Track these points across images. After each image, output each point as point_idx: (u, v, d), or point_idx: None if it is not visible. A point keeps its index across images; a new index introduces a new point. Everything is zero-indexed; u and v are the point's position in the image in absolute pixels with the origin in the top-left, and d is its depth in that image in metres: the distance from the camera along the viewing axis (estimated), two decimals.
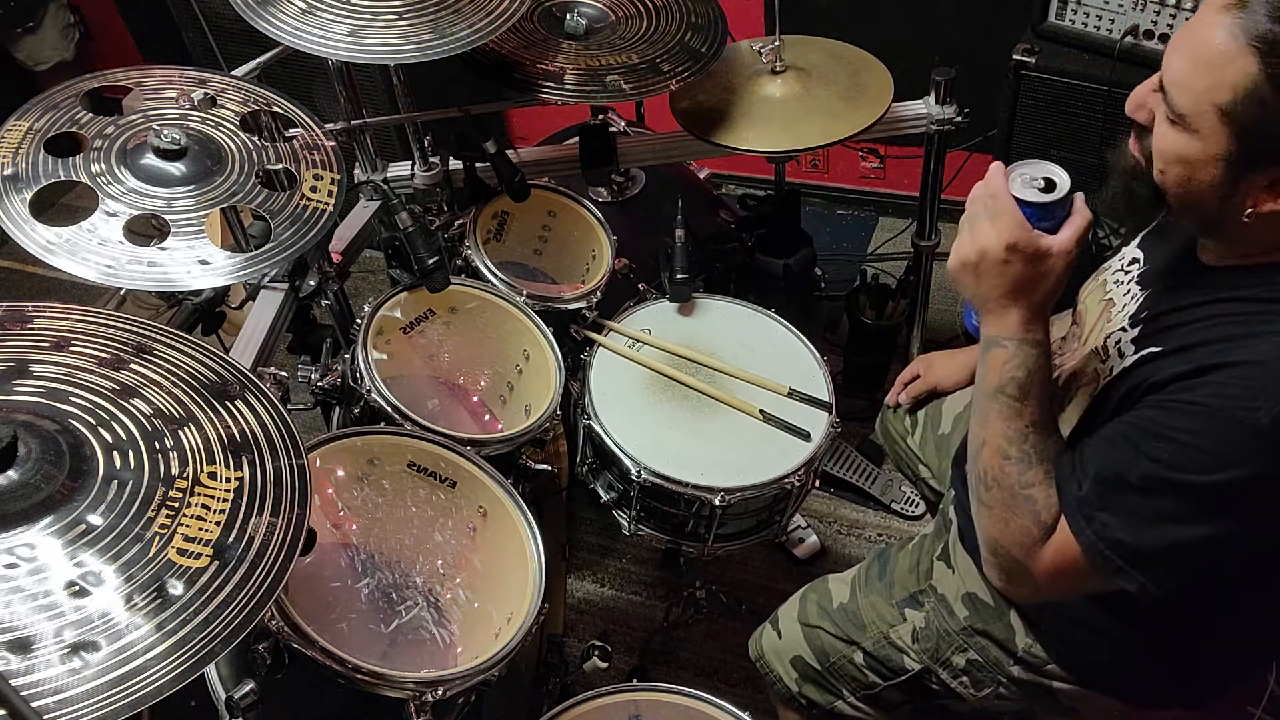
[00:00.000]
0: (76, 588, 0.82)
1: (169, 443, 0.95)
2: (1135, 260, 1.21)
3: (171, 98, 1.44)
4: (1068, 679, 1.28)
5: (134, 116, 1.38)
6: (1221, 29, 0.90)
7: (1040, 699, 1.32)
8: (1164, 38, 1.79)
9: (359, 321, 1.57)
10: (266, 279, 1.65)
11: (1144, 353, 1.06)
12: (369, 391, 1.48)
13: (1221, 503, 0.95)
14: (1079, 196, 1.07)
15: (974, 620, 1.34)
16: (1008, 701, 1.35)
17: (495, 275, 1.74)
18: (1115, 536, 1.00)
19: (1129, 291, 1.17)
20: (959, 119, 1.96)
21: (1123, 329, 1.12)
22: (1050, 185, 1.07)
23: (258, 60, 1.79)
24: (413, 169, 1.96)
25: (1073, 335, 1.29)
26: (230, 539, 0.91)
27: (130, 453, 0.93)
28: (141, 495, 0.90)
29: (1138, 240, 1.24)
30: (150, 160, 1.33)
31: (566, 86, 1.74)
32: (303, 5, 1.50)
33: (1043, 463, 1.07)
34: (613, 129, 2.01)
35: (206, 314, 1.58)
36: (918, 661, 1.38)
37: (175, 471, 0.93)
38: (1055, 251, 1.03)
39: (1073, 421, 1.16)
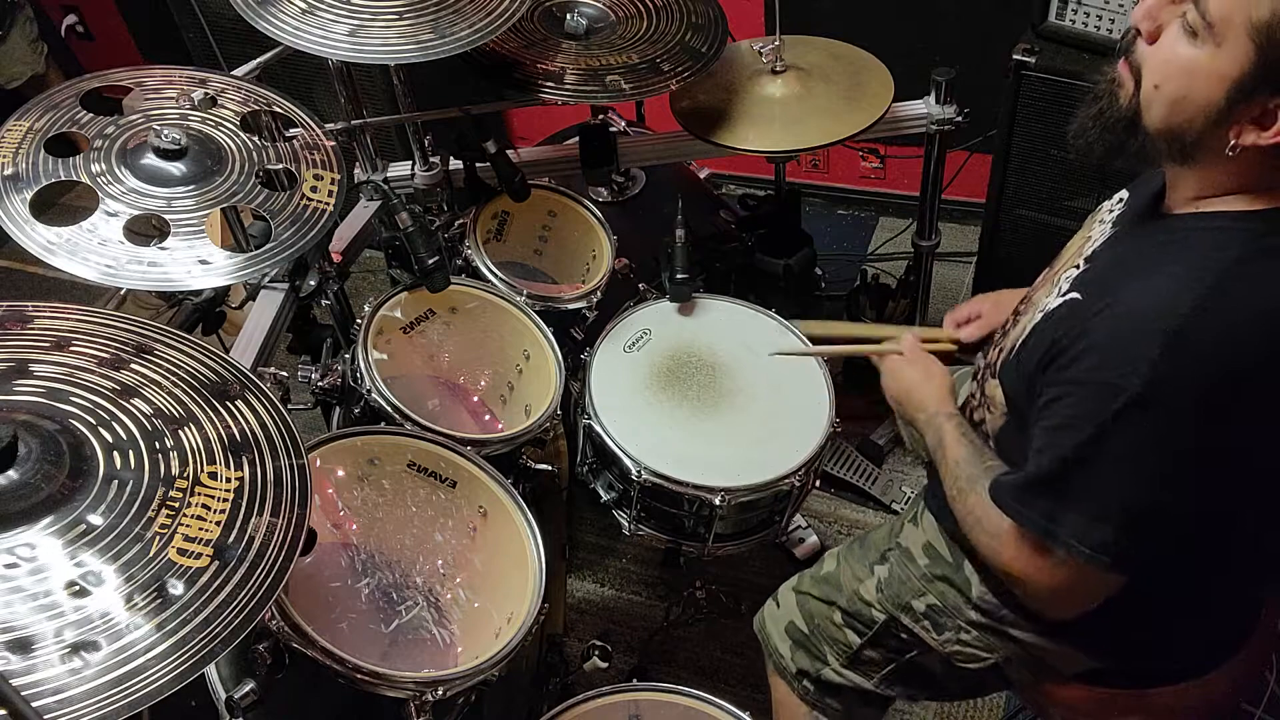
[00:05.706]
0: (76, 588, 0.82)
1: (169, 443, 0.95)
2: (1121, 199, 1.19)
3: (171, 98, 1.44)
4: (1025, 627, 1.27)
5: (134, 116, 1.38)
6: None
7: (1006, 646, 1.31)
8: None
9: (359, 321, 1.57)
10: (266, 279, 1.65)
11: (1069, 297, 1.07)
12: (369, 391, 1.48)
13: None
14: None
15: (933, 568, 1.36)
16: (972, 649, 1.34)
17: (495, 275, 1.74)
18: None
19: (1103, 229, 1.16)
20: (959, 119, 1.96)
21: (1076, 265, 1.12)
22: None
23: (258, 60, 1.79)
24: (413, 169, 1.96)
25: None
26: (230, 539, 0.91)
27: (130, 453, 0.93)
28: (142, 495, 0.90)
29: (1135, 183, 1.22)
30: (150, 160, 1.33)
31: (566, 86, 1.74)
32: (303, 5, 1.50)
33: None
34: (613, 129, 2.01)
35: (206, 314, 1.58)
36: (882, 612, 1.40)
37: (175, 471, 0.93)
38: None
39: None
